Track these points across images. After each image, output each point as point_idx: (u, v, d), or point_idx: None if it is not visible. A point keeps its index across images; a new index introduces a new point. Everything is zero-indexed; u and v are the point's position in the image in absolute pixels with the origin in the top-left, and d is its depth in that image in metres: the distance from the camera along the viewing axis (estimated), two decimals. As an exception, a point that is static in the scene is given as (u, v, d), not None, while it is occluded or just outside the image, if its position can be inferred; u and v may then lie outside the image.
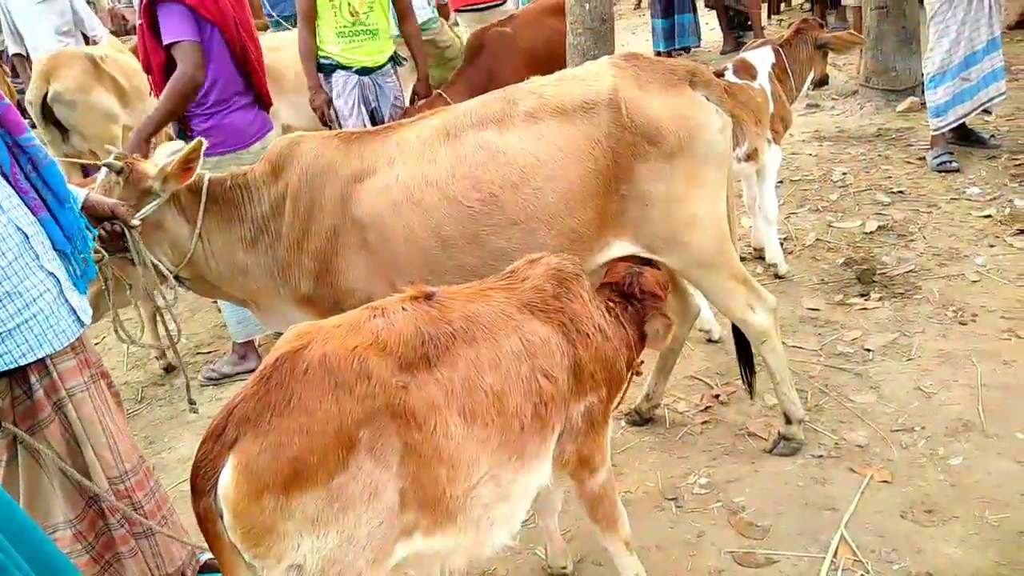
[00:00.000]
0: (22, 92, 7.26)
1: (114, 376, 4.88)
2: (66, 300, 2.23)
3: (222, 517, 1.66)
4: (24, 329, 2.12)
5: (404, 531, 1.78)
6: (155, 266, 2.61)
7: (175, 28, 3.48)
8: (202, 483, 1.66)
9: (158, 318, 2.73)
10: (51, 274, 2.19)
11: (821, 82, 4.70)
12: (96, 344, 5.35)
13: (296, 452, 1.60)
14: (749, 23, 9.58)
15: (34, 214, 2.19)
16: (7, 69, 8.96)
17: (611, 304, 2.26)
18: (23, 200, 2.17)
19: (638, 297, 2.31)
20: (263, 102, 4.06)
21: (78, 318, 2.26)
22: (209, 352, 4.90)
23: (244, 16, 3.78)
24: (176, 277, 2.77)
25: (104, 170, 2.66)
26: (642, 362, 2.40)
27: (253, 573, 1.74)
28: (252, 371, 4.39)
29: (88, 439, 2.34)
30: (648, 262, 2.60)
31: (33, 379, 2.22)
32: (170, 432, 4.07)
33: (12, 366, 2.13)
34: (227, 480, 1.62)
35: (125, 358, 5.01)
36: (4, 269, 2.07)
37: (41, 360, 2.19)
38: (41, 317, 2.15)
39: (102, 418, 2.36)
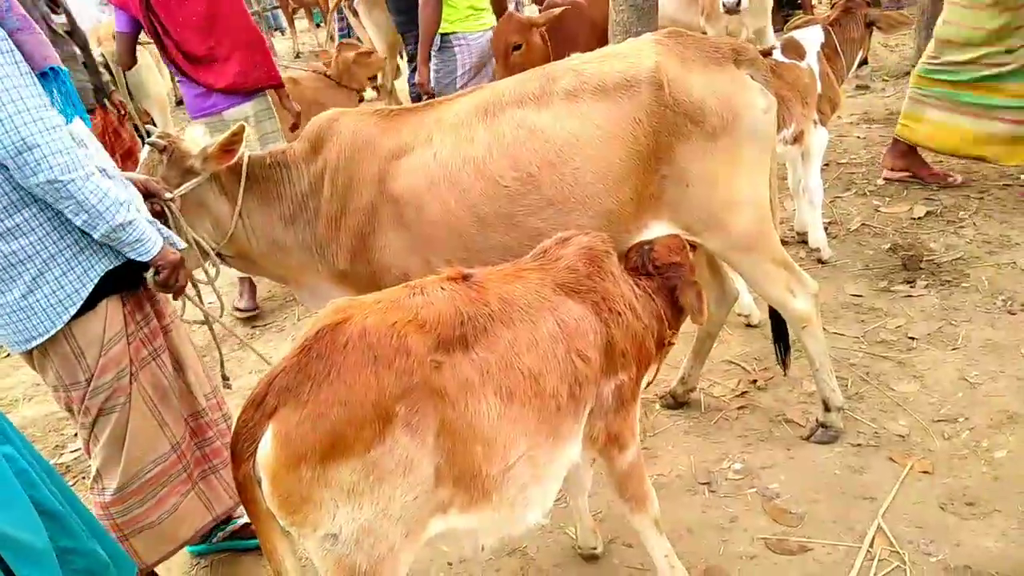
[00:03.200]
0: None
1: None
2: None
3: (260, 484, 1.70)
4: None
5: (439, 506, 1.81)
6: (196, 242, 2.65)
7: (116, 21, 4.39)
8: (242, 450, 1.70)
9: (202, 290, 2.80)
10: None
11: (861, 62, 4.57)
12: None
13: (334, 423, 1.63)
14: (799, 1, 9.35)
15: None
16: None
17: (639, 279, 2.26)
18: None
19: (656, 272, 2.31)
20: (200, 84, 4.37)
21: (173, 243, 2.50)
22: (253, 326, 4.98)
23: (167, 14, 4.15)
24: (218, 254, 2.81)
25: (147, 149, 2.70)
26: (676, 333, 2.38)
27: (289, 540, 1.78)
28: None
29: (187, 361, 2.60)
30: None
31: (148, 308, 2.46)
32: (211, 403, 4.14)
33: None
34: (266, 448, 1.66)
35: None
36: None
37: (148, 290, 2.43)
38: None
39: (192, 341, 2.67)
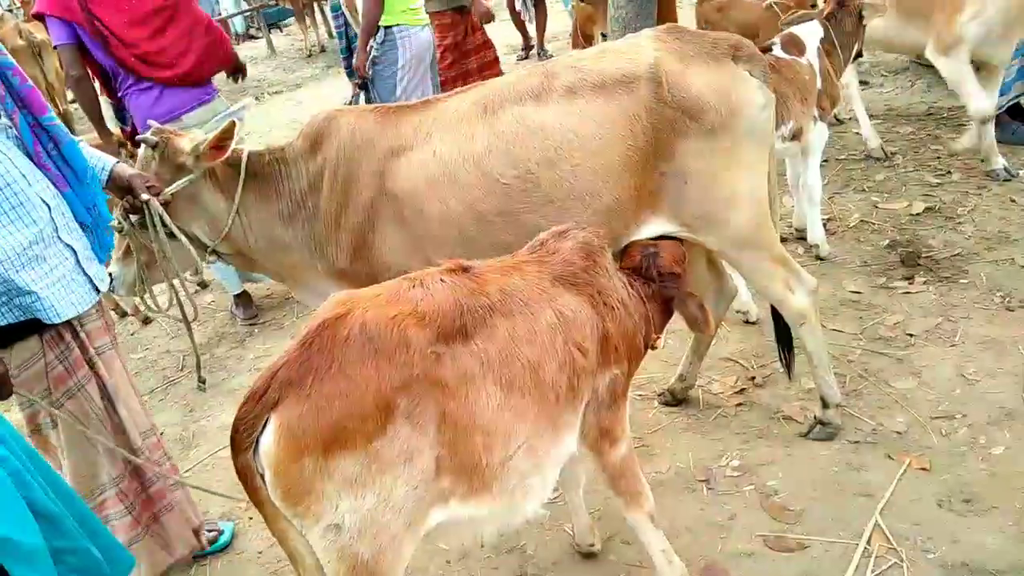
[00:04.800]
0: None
1: (155, 345, 5.08)
2: (83, 270, 2.36)
3: (263, 476, 1.71)
4: (48, 293, 2.24)
5: (440, 497, 1.82)
6: (173, 243, 2.62)
7: (53, 35, 4.05)
8: (241, 440, 1.72)
9: (177, 291, 2.78)
10: (68, 245, 2.32)
11: (856, 56, 4.55)
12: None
13: (336, 416, 1.65)
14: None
15: (58, 189, 2.33)
16: None
17: (632, 279, 2.28)
18: (46, 176, 2.30)
19: (657, 279, 2.33)
20: (156, 81, 4.11)
21: (94, 286, 2.40)
22: (252, 323, 4.98)
23: (110, 16, 3.91)
24: (215, 251, 2.81)
25: (142, 146, 2.69)
26: (658, 337, 2.39)
27: (292, 525, 1.79)
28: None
29: (120, 395, 2.49)
30: (663, 237, 2.59)
31: (68, 338, 2.36)
32: (210, 400, 4.15)
33: (49, 322, 2.27)
34: (269, 441, 1.67)
35: (168, 327, 5.11)
36: (36, 235, 2.21)
37: (69, 322, 2.33)
38: (64, 283, 2.28)
39: (128, 375, 2.55)
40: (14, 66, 2.23)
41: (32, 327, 2.27)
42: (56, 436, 2.45)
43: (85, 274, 2.37)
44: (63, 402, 2.37)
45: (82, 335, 2.39)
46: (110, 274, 2.72)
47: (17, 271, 2.17)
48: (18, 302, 2.20)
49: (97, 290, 2.41)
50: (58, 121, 2.34)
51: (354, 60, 5.35)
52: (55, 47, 4.12)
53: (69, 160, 2.36)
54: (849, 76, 5.04)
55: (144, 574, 2.58)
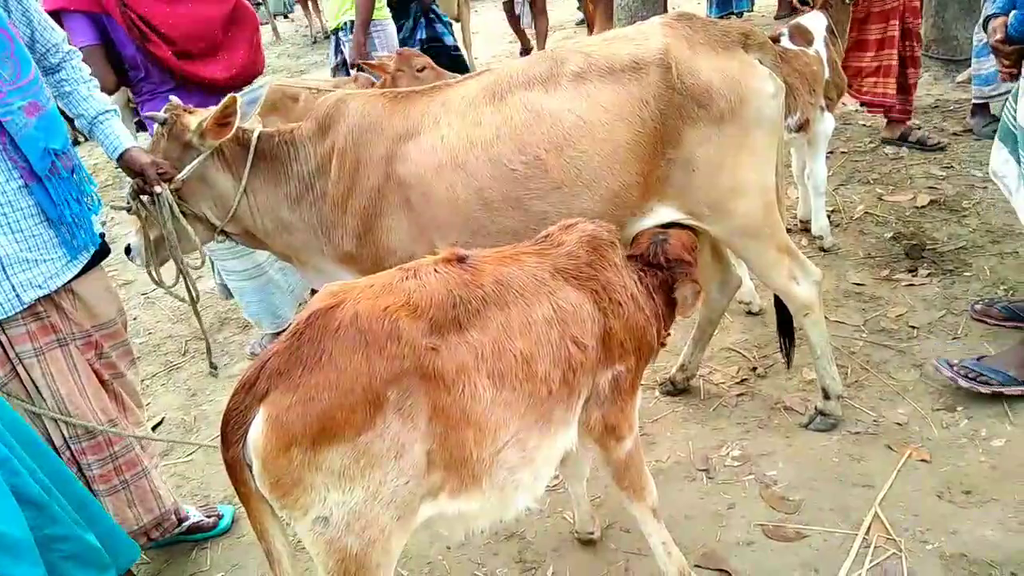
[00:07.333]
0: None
1: (157, 330, 5.04)
2: (7, 277, 2.29)
3: (251, 467, 1.71)
4: None
5: (430, 491, 1.81)
6: (183, 229, 2.63)
7: (73, 36, 3.31)
8: (231, 433, 1.71)
9: (186, 274, 2.77)
10: None
11: None
12: (144, 295, 5.47)
13: (324, 407, 1.62)
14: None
15: (26, 183, 2.28)
16: None
17: (642, 274, 2.22)
18: (14, 169, 2.25)
19: (665, 266, 2.25)
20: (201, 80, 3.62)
21: (18, 295, 2.31)
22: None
23: (152, 9, 3.43)
24: (223, 231, 2.81)
25: (156, 124, 2.69)
26: (669, 334, 2.36)
27: (279, 520, 1.80)
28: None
29: (42, 400, 2.44)
30: (676, 226, 2.55)
31: None
32: (212, 385, 4.17)
33: None
34: (257, 431, 1.66)
35: (171, 312, 5.12)
36: None
37: None
38: None
39: (51, 383, 2.44)
40: None
41: None
42: None
43: (9, 282, 2.29)
44: None
45: (2, 338, 2.34)
46: (129, 246, 2.73)
47: None
48: None
49: (21, 300, 2.32)
50: (12, 117, 2.21)
51: (347, 51, 5.53)
52: (80, 49, 3.37)
53: (25, 155, 2.27)
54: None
55: None
